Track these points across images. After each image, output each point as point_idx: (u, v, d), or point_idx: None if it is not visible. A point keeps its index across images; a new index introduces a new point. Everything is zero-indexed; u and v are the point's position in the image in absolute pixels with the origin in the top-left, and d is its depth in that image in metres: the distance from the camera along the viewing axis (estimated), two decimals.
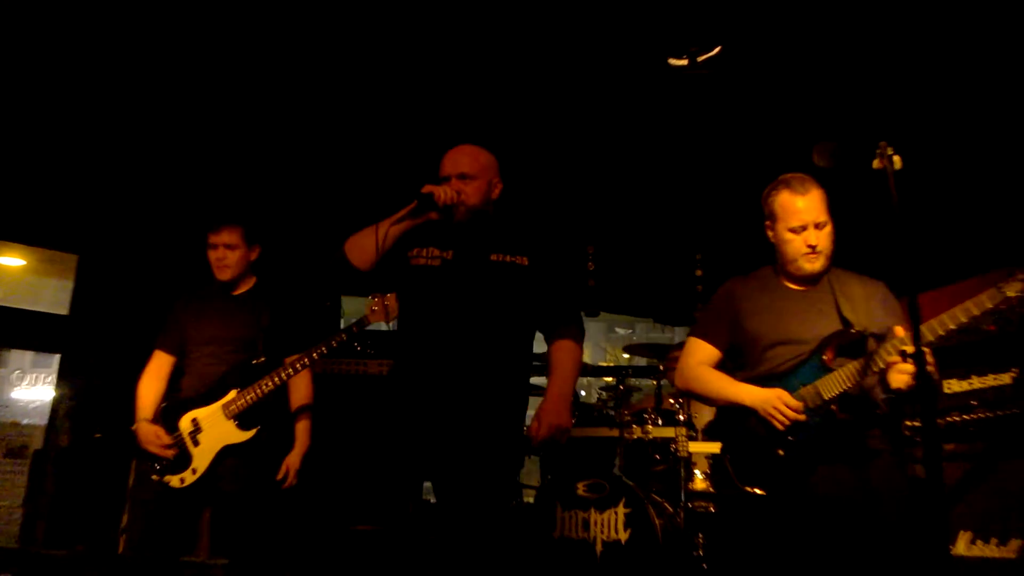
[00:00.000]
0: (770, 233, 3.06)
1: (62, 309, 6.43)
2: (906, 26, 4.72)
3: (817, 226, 2.91)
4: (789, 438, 2.85)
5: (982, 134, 5.39)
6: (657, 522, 4.26)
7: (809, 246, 2.92)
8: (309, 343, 3.77)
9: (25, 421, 6.75)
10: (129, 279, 6.06)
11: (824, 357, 2.85)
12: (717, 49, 4.99)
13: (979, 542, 3.45)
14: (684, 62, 5.03)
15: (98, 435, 4.05)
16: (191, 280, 4.07)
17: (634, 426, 5.00)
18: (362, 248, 2.90)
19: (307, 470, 4.00)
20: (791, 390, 2.87)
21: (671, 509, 4.63)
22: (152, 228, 6.17)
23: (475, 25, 4.89)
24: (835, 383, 2.80)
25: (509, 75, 5.41)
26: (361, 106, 5.66)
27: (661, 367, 5.39)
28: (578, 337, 3.14)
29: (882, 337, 2.76)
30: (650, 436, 4.95)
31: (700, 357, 3.16)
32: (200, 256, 4.01)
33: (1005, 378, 3.78)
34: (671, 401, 5.39)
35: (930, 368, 2.49)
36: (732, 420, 3.04)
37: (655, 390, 5.61)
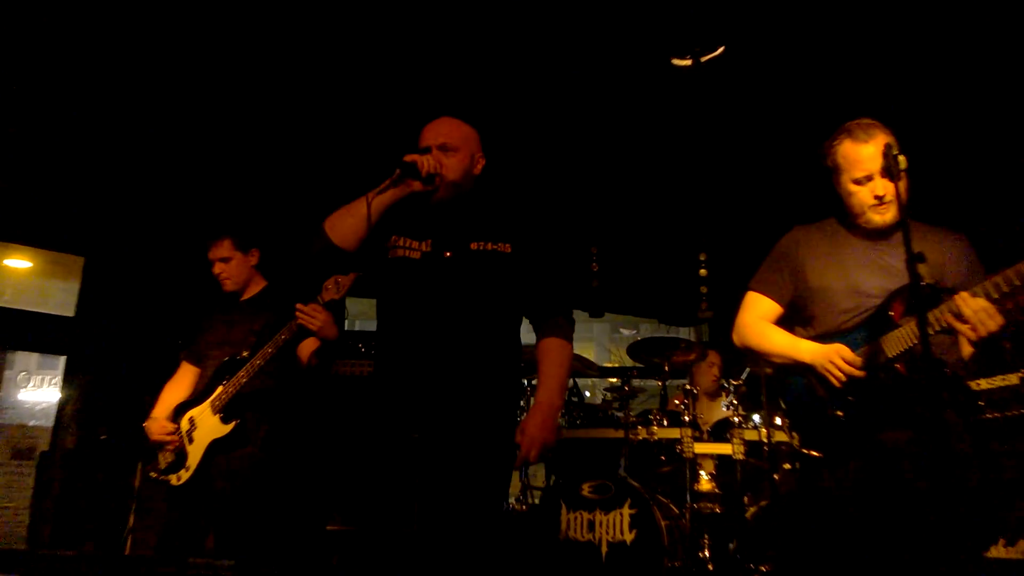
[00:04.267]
0: (836, 186, 2.85)
1: (68, 311, 6.45)
2: (911, 23, 4.72)
3: (884, 174, 2.65)
4: (849, 398, 2.70)
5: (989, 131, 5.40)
6: (663, 523, 4.25)
7: (876, 197, 2.71)
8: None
9: (31, 423, 6.76)
10: (135, 281, 6.08)
11: (891, 313, 2.68)
12: (721, 49, 4.99)
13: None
14: (688, 62, 5.03)
15: (104, 436, 4.08)
16: (196, 283, 4.15)
17: (639, 427, 4.99)
18: (346, 225, 2.72)
19: (310, 471, 4.02)
20: (854, 348, 2.71)
21: (677, 510, 4.62)
22: (158, 231, 6.19)
23: (481, 23, 4.90)
24: (901, 340, 2.62)
25: (514, 75, 5.42)
26: (365, 98, 5.69)
27: (666, 367, 5.38)
28: (566, 332, 2.90)
29: (954, 292, 2.58)
30: (655, 437, 4.94)
31: (759, 312, 2.99)
32: (204, 261, 4.12)
33: (1013, 379, 3.76)
34: (676, 402, 5.38)
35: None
36: (790, 378, 2.88)
37: (660, 391, 5.61)
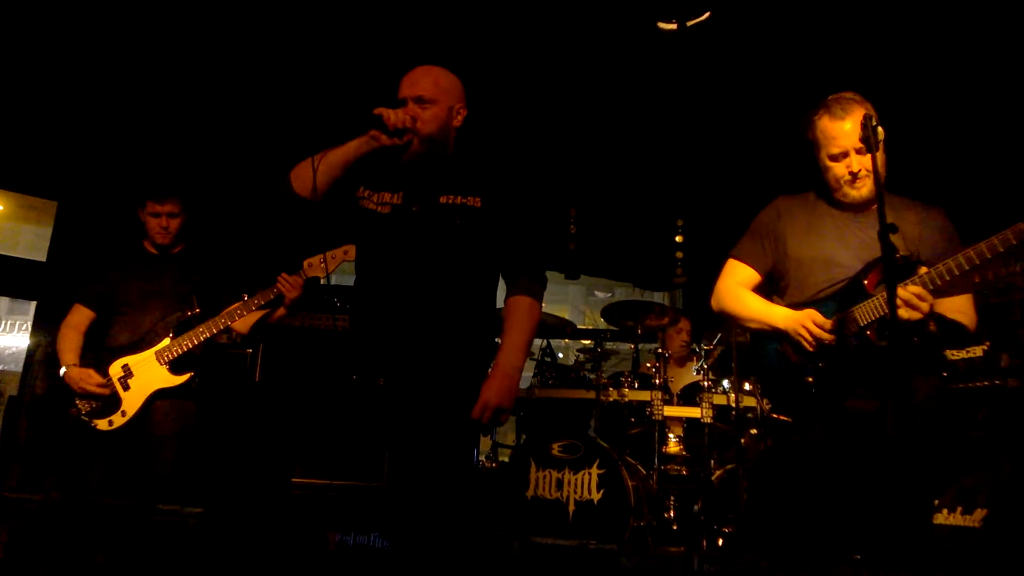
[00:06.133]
0: (816, 159, 2.90)
1: (40, 255, 6.38)
2: None
3: (859, 151, 2.73)
4: (820, 364, 2.75)
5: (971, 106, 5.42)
6: (630, 484, 4.31)
7: (851, 173, 2.77)
8: (240, 297, 3.93)
9: (0, 367, 6.71)
10: (108, 227, 6.01)
11: (865, 283, 2.72)
12: (707, 14, 4.96)
13: (945, 511, 3.50)
14: (673, 26, 5.00)
15: None
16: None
17: (611, 389, 5.03)
18: (309, 176, 2.67)
19: (268, 423, 4.16)
20: (827, 316, 2.75)
21: (644, 471, 4.68)
22: (133, 177, 6.11)
23: None
24: (872, 309, 2.67)
25: (498, 34, 5.37)
26: (346, 49, 5.62)
27: (639, 331, 5.41)
28: (534, 290, 2.81)
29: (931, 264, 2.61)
30: (626, 399, 4.98)
31: (738, 278, 3.04)
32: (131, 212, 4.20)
33: (977, 351, 3.83)
34: (647, 365, 5.43)
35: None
36: (764, 345, 2.92)
37: (632, 354, 5.65)
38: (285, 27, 5.34)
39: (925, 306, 2.55)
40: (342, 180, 2.73)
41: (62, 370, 3.97)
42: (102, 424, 3.88)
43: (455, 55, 5.27)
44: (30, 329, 6.30)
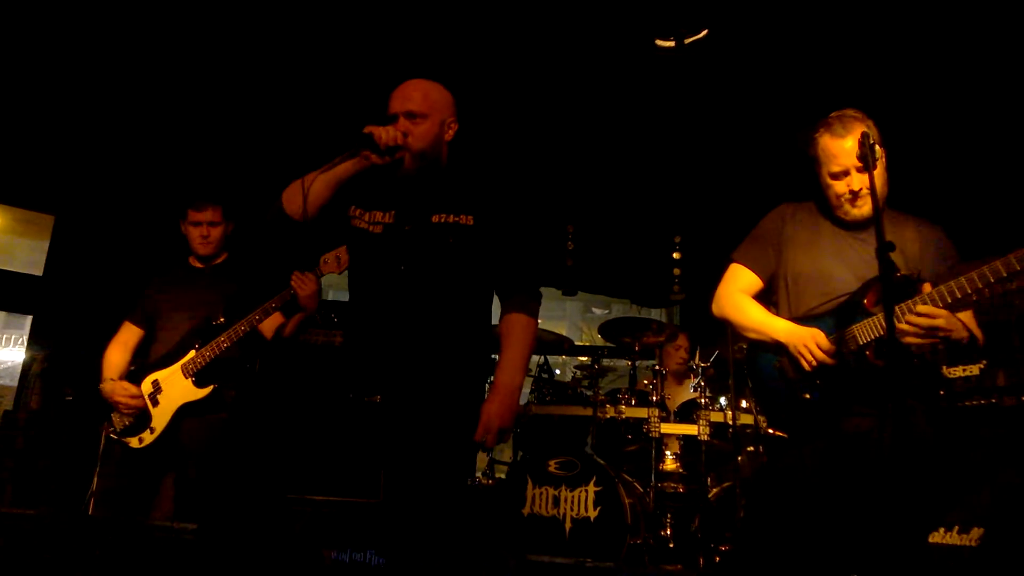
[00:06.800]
0: (816, 176, 2.89)
1: (36, 270, 6.38)
2: (888, 11, 4.74)
3: (860, 169, 2.71)
4: (817, 381, 2.73)
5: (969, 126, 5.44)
6: (627, 501, 4.29)
7: (852, 192, 2.76)
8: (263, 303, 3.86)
9: None
10: (105, 242, 6.01)
11: (864, 301, 2.71)
12: (704, 32, 4.99)
13: (942, 530, 3.49)
14: (671, 44, 5.03)
15: (69, 397, 4.06)
16: (166, 247, 4.14)
17: (607, 405, 5.02)
18: (295, 196, 2.66)
19: (276, 438, 4.10)
20: (827, 333, 2.74)
21: (641, 489, 4.66)
22: (130, 191, 6.12)
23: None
24: (872, 328, 2.65)
25: (496, 51, 5.39)
26: (342, 64, 5.64)
27: (636, 347, 5.40)
28: (529, 308, 2.78)
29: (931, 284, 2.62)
30: (623, 416, 4.97)
31: (741, 284, 3.01)
32: (175, 226, 4.15)
33: (974, 369, 3.82)
34: (645, 382, 5.42)
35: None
36: (761, 357, 2.90)
37: (630, 370, 5.64)
38: (284, 27, 5.36)
39: (940, 321, 2.53)
40: (333, 200, 2.71)
41: (102, 384, 3.94)
42: (133, 442, 3.83)
43: (454, 70, 5.33)
44: (26, 343, 6.28)
